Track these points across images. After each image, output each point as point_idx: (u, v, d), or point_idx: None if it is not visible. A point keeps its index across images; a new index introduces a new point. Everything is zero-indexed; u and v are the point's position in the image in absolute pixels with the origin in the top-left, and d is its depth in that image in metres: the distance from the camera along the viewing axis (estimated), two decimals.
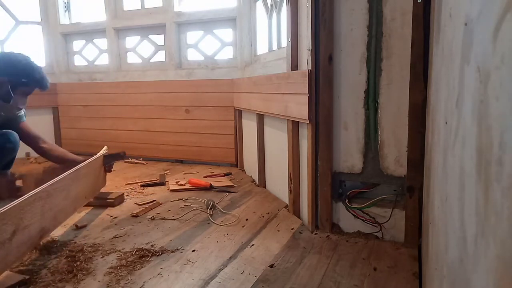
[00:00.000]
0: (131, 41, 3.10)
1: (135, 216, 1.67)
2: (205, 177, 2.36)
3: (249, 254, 1.30)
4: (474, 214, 0.37)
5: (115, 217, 1.67)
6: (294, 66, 1.57)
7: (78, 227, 1.54)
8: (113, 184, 2.22)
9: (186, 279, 1.14)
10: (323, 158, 1.43)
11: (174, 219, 1.64)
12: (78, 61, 3.32)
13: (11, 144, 1.71)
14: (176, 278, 1.15)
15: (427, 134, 1.20)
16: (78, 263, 1.23)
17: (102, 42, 3.18)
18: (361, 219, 1.40)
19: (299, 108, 1.46)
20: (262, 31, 2.46)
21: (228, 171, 2.49)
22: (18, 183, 1.73)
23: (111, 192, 1.94)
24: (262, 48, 2.51)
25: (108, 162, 1.89)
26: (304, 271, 1.18)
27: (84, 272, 1.18)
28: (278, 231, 1.50)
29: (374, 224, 1.38)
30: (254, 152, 2.22)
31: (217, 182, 2.19)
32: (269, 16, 2.27)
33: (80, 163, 1.57)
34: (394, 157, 1.35)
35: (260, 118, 2.11)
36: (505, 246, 0.27)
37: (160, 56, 3.01)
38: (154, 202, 1.85)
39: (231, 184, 2.17)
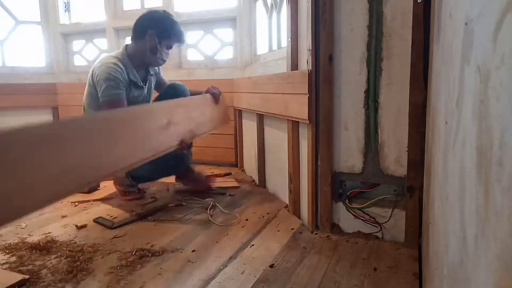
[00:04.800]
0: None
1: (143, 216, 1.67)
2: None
3: (249, 254, 1.30)
4: (474, 214, 0.37)
5: (114, 217, 1.67)
6: (294, 66, 1.57)
7: (78, 227, 1.54)
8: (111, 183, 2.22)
9: (186, 279, 1.14)
10: (323, 158, 1.43)
11: (174, 219, 1.64)
12: (78, 61, 3.32)
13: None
14: (176, 278, 1.15)
15: (427, 134, 1.20)
16: (78, 263, 1.23)
17: (102, 42, 3.18)
18: (361, 219, 1.40)
19: (299, 108, 1.46)
20: (262, 31, 2.46)
21: (227, 171, 2.49)
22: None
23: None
24: (262, 48, 2.51)
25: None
26: (304, 271, 1.18)
27: (84, 272, 1.18)
28: (278, 231, 1.50)
29: (374, 224, 1.38)
30: (254, 152, 2.22)
31: (221, 183, 2.18)
32: (269, 16, 2.27)
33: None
34: (394, 157, 1.35)
35: (260, 118, 2.11)
36: (505, 246, 0.27)
37: None
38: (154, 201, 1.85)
39: (236, 184, 2.16)
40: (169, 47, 1.86)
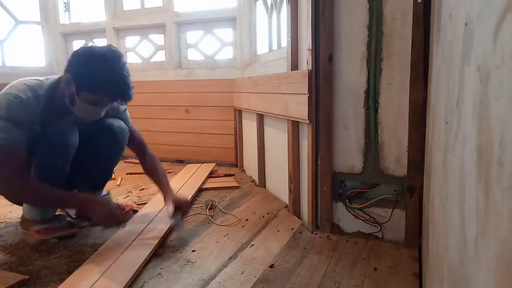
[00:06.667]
0: (131, 41, 3.10)
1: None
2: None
3: (249, 254, 1.30)
4: (474, 214, 0.37)
5: None
6: (294, 66, 1.57)
7: (78, 227, 1.54)
8: (110, 184, 2.22)
9: (186, 279, 1.14)
10: (323, 158, 1.43)
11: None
12: None
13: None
14: (176, 278, 1.15)
15: (427, 134, 1.20)
16: (78, 263, 1.23)
17: (102, 42, 3.18)
18: (361, 219, 1.40)
19: (299, 108, 1.46)
20: (262, 31, 2.46)
21: (228, 172, 2.47)
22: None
23: None
24: (262, 48, 2.51)
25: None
26: (304, 271, 1.18)
27: None
28: (278, 231, 1.50)
29: (374, 224, 1.38)
30: (254, 152, 2.22)
31: (221, 183, 2.18)
32: (269, 16, 2.27)
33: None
34: (394, 157, 1.35)
35: (260, 118, 2.11)
36: (505, 246, 0.27)
37: (160, 56, 3.01)
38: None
39: (236, 184, 2.15)
40: (95, 103, 1.27)
